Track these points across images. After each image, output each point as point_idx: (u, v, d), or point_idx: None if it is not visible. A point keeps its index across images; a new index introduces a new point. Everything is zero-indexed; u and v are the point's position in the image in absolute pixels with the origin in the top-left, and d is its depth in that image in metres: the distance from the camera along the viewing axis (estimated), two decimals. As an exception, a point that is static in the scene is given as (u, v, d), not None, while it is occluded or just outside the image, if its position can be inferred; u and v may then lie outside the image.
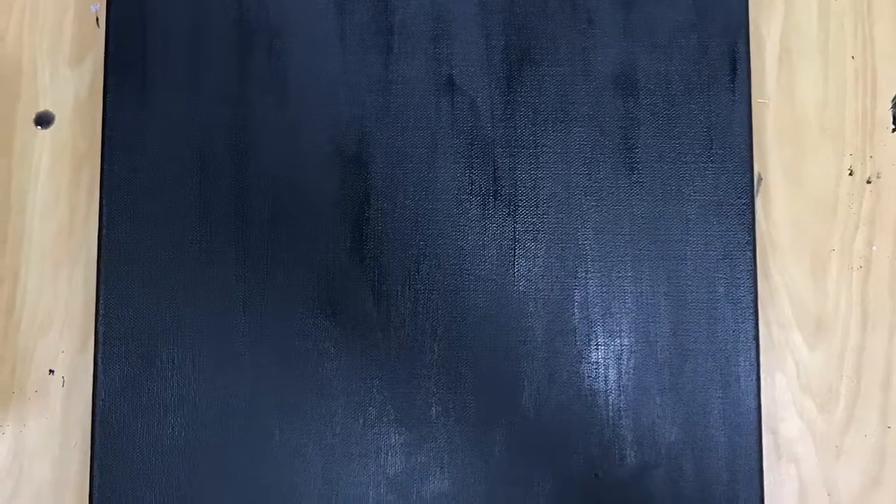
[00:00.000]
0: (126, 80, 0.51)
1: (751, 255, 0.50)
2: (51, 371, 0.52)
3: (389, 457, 0.50)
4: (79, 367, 0.51)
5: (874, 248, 0.53)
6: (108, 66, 0.51)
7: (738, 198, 0.51)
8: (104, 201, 0.50)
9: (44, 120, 0.53)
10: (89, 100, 0.53)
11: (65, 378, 0.51)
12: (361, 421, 0.50)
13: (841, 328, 0.52)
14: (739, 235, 0.51)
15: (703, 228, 0.51)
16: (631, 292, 0.50)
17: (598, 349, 0.50)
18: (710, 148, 0.51)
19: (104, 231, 0.50)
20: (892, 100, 0.54)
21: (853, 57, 0.54)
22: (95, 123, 0.52)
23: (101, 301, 0.50)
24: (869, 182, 0.53)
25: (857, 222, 0.53)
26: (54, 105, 0.53)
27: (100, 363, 0.50)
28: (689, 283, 0.50)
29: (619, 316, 0.50)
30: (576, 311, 0.50)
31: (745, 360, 0.50)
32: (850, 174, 0.53)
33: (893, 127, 0.53)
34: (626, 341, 0.50)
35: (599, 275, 0.51)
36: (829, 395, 0.52)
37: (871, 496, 0.51)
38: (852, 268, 0.52)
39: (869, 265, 0.52)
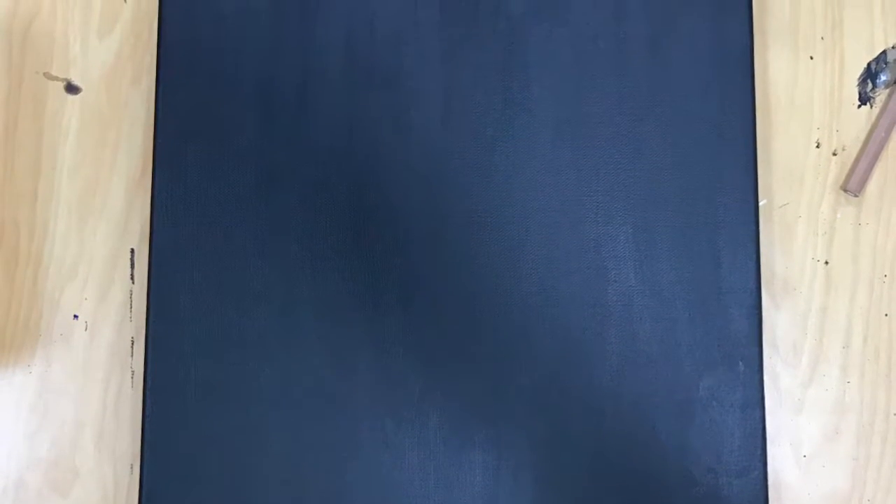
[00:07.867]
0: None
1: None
2: (75, 316, 0.56)
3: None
4: (100, 312, 0.56)
5: (838, 215, 0.56)
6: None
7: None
8: (159, 114, 0.55)
9: (73, 88, 0.57)
10: (115, 68, 0.57)
11: (87, 323, 0.56)
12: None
13: (806, 290, 0.56)
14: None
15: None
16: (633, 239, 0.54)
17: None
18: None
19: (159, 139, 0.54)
20: (858, 78, 0.57)
21: (822, 38, 0.57)
22: (120, 89, 0.57)
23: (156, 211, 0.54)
24: (835, 154, 0.57)
25: (823, 191, 0.56)
26: (83, 72, 0.58)
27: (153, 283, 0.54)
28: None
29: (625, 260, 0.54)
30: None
31: None
32: (818, 146, 0.57)
33: (859, 104, 0.57)
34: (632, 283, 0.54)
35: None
36: (793, 351, 0.55)
37: (830, 446, 0.55)
38: (818, 233, 0.56)
39: (833, 231, 0.56)
